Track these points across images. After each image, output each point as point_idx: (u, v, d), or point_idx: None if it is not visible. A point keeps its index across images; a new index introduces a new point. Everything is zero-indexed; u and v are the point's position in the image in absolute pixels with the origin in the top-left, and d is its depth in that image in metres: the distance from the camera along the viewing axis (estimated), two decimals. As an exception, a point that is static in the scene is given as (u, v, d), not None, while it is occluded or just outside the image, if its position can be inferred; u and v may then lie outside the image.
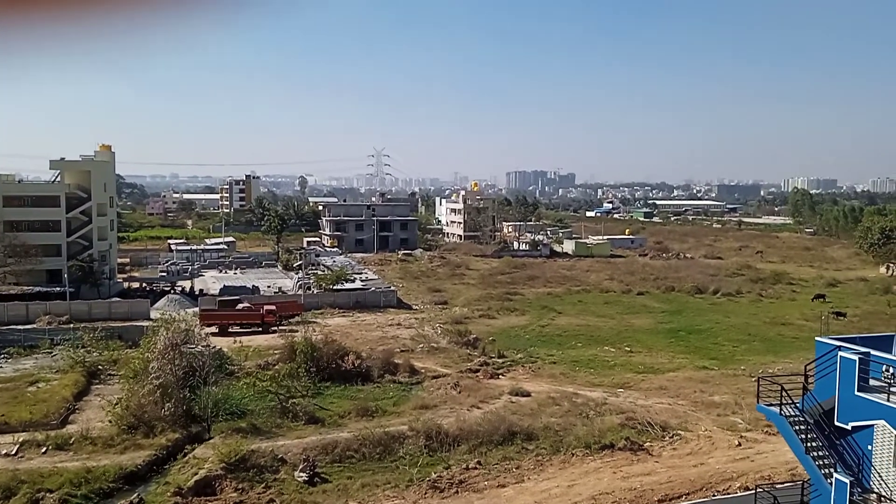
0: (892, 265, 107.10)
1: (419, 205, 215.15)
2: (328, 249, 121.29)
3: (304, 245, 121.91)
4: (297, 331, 54.60)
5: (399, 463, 33.50)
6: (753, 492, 23.63)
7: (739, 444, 36.16)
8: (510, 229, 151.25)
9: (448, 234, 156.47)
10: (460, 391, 43.99)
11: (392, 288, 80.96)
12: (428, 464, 33.37)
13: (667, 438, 36.86)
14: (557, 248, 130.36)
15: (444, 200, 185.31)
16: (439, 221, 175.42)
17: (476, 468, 32.93)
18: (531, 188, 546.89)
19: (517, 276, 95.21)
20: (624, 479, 32.00)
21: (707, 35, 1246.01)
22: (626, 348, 57.92)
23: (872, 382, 19.19)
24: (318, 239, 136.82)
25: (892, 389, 18.41)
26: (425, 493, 30.53)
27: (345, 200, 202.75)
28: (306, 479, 31.43)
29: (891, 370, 18.93)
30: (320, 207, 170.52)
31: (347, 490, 30.88)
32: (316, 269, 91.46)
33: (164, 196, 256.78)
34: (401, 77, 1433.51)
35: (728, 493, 30.30)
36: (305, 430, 36.90)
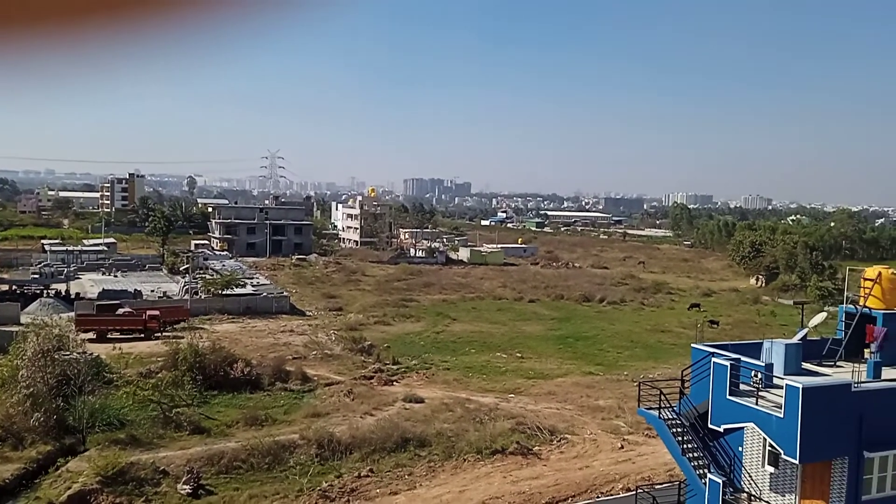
0: (760, 277, 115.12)
1: (314, 209, 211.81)
2: (217, 253, 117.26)
3: (192, 248, 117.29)
4: (182, 337, 52.37)
5: (289, 473, 32.76)
6: (634, 493, 24.69)
7: (622, 447, 37.72)
8: (407, 236, 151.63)
9: (344, 239, 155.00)
10: (354, 398, 43.58)
11: (285, 293, 79.22)
12: (319, 473, 32.83)
13: (555, 442, 37.95)
14: (453, 255, 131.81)
15: (340, 205, 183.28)
16: (335, 226, 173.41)
17: (368, 476, 32.70)
18: (428, 195, 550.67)
19: (413, 283, 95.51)
20: (513, 483, 32.67)
21: (596, 58, 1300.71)
22: (518, 354, 59.26)
23: (743, 387, 20.52)
24: (206, 242, 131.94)
25: (760, 394, 19.77)
26: (315, 503, 30.02)
27: (236, 202, 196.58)
28: (190, 491, 30.15)
29: (759, 376, 20.31)
30: (210, 209, 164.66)
31: (234, 502, 29.88)
32: (204, 273, 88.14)
33: (38, 193, 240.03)
34: (297, 80, 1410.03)
35: (611, 495, 31.54)
36: (190, 441, 35.43)
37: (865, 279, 24.42)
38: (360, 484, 31.89)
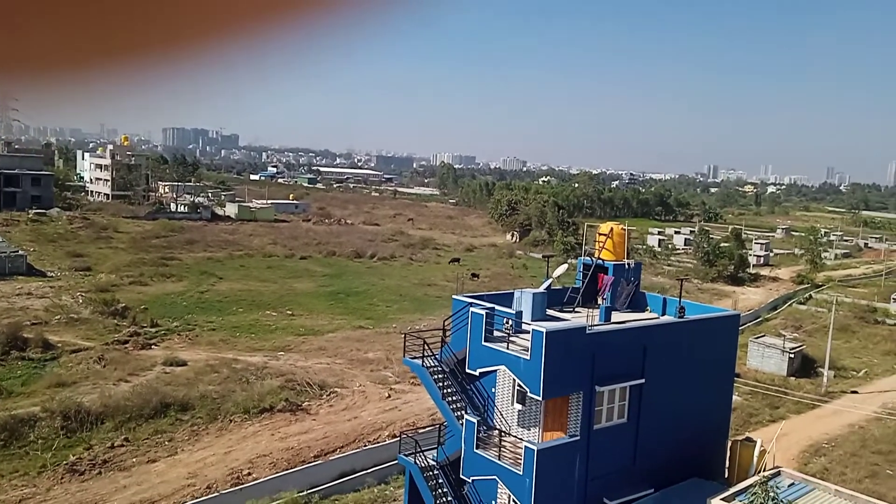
0: (515, 233, 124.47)
1: (56, 158, 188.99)
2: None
3: None
4: None
5: (30, 448, 29.60)
6: (399, 438, 25.81)
7: (389, 396, 39.15)
8: (167, 190, 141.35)
9: (93, 192, 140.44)
10: (105, 365, 40.23)
11: (21, 252, 70.20)
12: (66, 446, 30.06)
13: (324, 397, 38.31)
14: (219, 211, 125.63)
15: (87, 155, 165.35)
16: (82, 178, 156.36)
17: (123, 445, 30.58)
18: (191, 147, 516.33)
19: (174, 240, 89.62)
20: (282, 439, 32.53)
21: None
22: (289, 312, 58.53)
23: (496, 333, 22.20)
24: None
25: (511, 339, 21.52)
26: (62, 478, 27.49)
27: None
28: None
29: (510, 322, 22.09)
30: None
31: (-41, 487, 26.39)
32: (-86, 229, 75.16)
33: None
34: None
35: (378, 442, 32.68)
36: None
37: (600, 234, 27.46)
38: (113, 454, 29.75)
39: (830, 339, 50.85)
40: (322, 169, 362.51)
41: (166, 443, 31.46)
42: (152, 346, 45.66)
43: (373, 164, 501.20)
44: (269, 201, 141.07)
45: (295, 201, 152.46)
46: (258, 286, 68.07)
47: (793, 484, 23.30)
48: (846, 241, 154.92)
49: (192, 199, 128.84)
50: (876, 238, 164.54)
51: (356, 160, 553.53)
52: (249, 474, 28.97)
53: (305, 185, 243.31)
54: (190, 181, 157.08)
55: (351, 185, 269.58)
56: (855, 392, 47.68)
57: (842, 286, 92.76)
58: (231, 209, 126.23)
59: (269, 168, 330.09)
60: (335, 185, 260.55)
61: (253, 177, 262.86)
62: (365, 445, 32.30)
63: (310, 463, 29.93)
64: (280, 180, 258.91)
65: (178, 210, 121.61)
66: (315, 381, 39.58)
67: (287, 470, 29.00)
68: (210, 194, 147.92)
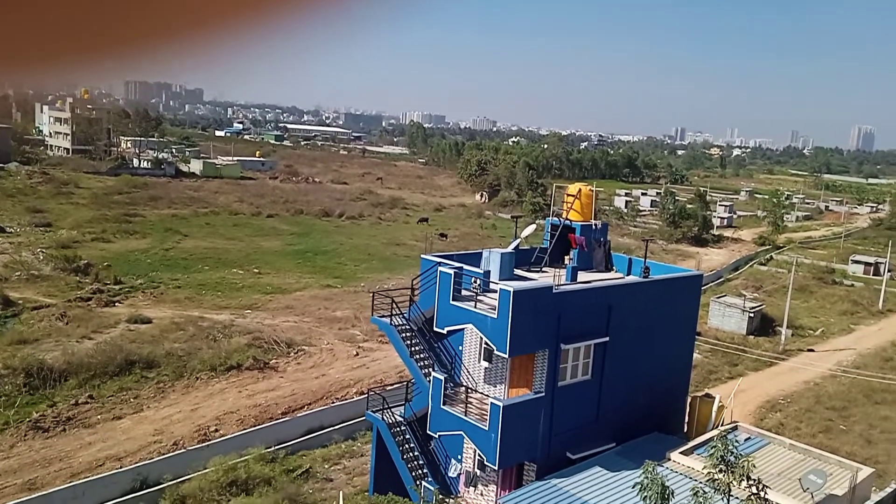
0: (485, 193, 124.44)
1: (13, 111, 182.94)
2: None
3: None
4: None
5: (-10, 407, 29.25)
6: (366, 395, 26.01)
7: (357, 354, 39.34)
8: (129, 145, 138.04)
9: (52, 146, 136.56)
10: (68, 322, 39.70)
11: (-23, 207, 68.34)
12: (28, 403, 29.77)
13: (292, 354, 38.35)
14: (184, 167, 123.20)
15: (46, 108, 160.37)
16: (41, 132, 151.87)
17: (87, 403, 30.38)
18: (154, 101, 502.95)
19: (137, 197, 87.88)
20: (249, 396, 32.59)
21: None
22: (255, 270, 58.12)
23: (464, 293, 22.32)
24: None
25: (478, 298, 21.65)
26: (25, 435, 27.28)
27: None
28: None
29: (478, 282, 22.21)
30: None
31: (-82, 445, 26.04)
32: None
33: None
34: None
35: (346, 399, 32.92)
36: None
37: (568, 195, 27.56)
38: (77, 411, 29.55)
39: (789, 299, 52.18)
40: (289, 126, 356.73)
41: (132, 400, 31.32)
42: (116, 304, 45.10)
43: (341, 122, 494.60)
44: (235, 158, 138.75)
45: (262, 159, 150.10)
46: (224, 244, 67.35)
47: (749, 438, 24.09)
48: (808, 203, 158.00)
49: (155, 155, 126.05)
50: (837, 201, 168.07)
51: (324, 117, 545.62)
52: (216, 431, 29.04)
53: (272, 142, 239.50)
54: (153, 136, 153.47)
55: (319, 143, 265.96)
56: (811, 350, 49.17)
57: (802, 248, 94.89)
58: (196, 166, 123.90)
59: (235, 124, 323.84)
60: (303, 143, 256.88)
61: (218, 133, 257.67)
62: (333, 402, 32.52)
63: (277, 420, 30.08)
64: (246, 137, 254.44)
65: (141, 166, 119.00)
66: (283, 339, 39.56)
67: (254, 427, 29.11)
68: (174, 150, 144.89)
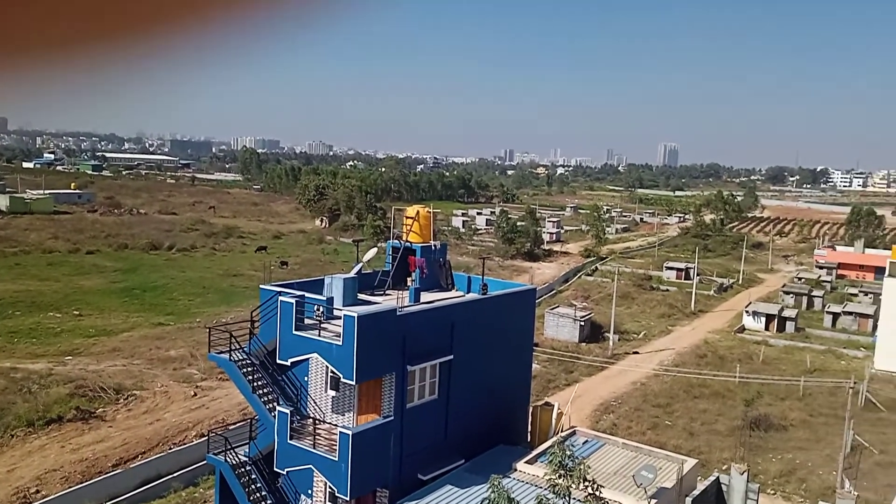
0: (324, 218, 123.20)
1: None
2: None
3: None
4: None
5: None
6: (207, 437, 24.72)
7: (195, 395, 37.29)
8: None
9: None
10: None
11: None
12: None
13: (121, 401, 35.64)
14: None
15: None
16: None
17: None
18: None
19: (-72, 238, 78.20)
20: (74, 451, 29.86)
21: None
22: (76, 312, 53.54)
23: (307, 321, 21.91)
24: None
25: (322, 326, 21.35)
26: None
27: None
28: None
29: (321, 309, 21.90)
30: None
31: None
32: None
33: None
34: None
35: (185, 444, 31.05)
36: None
37: (407, 217, 28.00)
38: None
39: (614, 306, 56.11)
40: (109, 155, 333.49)
41: (-70, 469, 27.63)
42: None
43: (167, 150, 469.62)
44: (48, 191, 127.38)
45: (78, 191, 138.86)
46: (38, 286, 61.48)
47: (587, 441, 25.52)
48: (625, 216, 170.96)
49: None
50: (649, 213, 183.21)
51: (148, 145, 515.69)
52: (37, 492, 26.32)
53: (90, 172, 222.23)
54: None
55: (143, 172, 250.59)
56: (636, 353, 53.10)
57: (622, 258, 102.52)
58: (1, 201, 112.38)
59: (46, 154, 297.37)
60: (125, 172, 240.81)
61: (26, 164, 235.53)
62: (170, 448, 30.56)
63: (107, 473, 27.77)
64: (60, 168, 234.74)
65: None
66: (110, 386, 36.67)
67: (81, 483, 26.68)
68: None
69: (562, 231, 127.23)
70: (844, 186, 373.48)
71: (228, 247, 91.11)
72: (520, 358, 27.81)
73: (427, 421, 22.58)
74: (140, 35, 1.87)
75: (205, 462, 25.03)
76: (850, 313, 64.69)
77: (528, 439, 27.58)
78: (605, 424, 36.62)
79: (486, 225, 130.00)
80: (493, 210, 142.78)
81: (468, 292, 27.76)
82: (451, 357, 23.12)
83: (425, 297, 25.76)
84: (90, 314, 53.52)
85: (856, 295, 76.55)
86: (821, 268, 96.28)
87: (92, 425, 32.63)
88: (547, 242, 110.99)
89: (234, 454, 22.65)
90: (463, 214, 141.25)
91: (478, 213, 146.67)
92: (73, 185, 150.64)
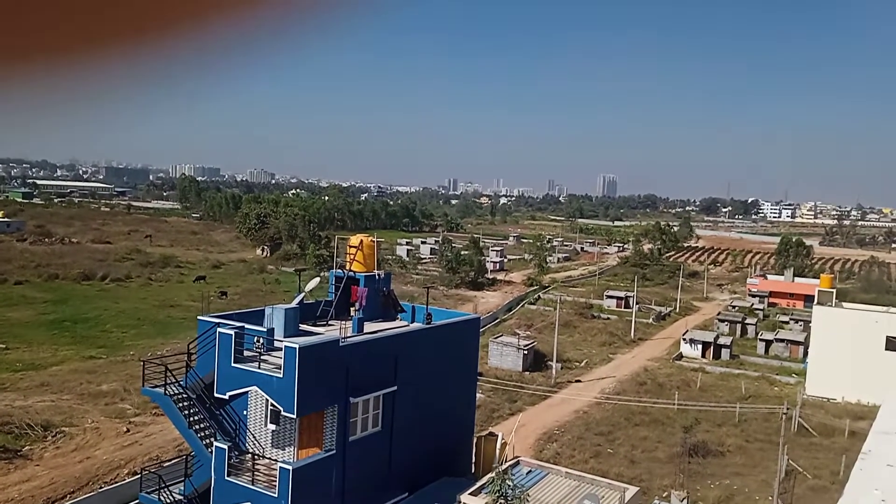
0: (266, 247, 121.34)
1: None
2: None
3: None
4: None
5: None
6: (140, 475, 23.75)
7: (128, 431, 35.87)
8: None
9: None
10: None
11: None
12: None
13: (49, 438, 34.00)
14: None
15: None
16: None
17: None
18: None
19: None
20: (-4, 493, 28.24)
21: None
22: (1, 346, 51.09)
23: (247, 353, 21.41)
24: None
25: (262, 358, 20.88)
26: None
27: None
28: None
29: (261, 341, 21.45)
30: None
31: None
32: None
33: None
34: None
35: (116, 482, 29.74)
36: None
37: (351, 246, 27.80)
38: None
39: (557, 335, 56.67)
40: (40, 182, 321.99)
41: None
42: None
43: (102, 177, 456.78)
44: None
45: (7, 219, 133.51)
46: (-40, 318, 58.54)
47: (530, 471, 25.51)
48: (566, 245, 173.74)
49: None
50: (590, 242, 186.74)
51: (81, 172, 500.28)
52: (-47, 540, 24.72)
53: (20, 199, 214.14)
54: None
55: (76, 200, 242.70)
56: (579, 381, 53.61)
57: (564, 286, 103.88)
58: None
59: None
60: (57, 200, 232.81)
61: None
62: (100, 487, 29.21)
63: (33, 516, 26.33)
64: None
65: None
66: (37, 422, 34.95)
67: (3, 528, 25.23)
68: None
69: (505, 260, 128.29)
70: (774, 217, 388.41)
71: (165, 277, 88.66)
72: (464, 388, 27.73)
73: (370, 454, 22.23)
74: (74, 57, 1.79)
75: (138, 502, 23.98)
76: (782, 340, 66.88)
77: (473, 470, 27.40)
78: (549, 453, 36.70)
79: (431, 254, 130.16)
80: (437, 239, 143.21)
81: (413, 322, 27.62)
82: (396, 388, 22.90)
83: (369, 326, 25.52)
84: (17, 347, 51.15)
85: (787, 322, 79.22)
86: (753, 296, 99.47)
87: (17, 464, 30.98)
88: (490, 271, 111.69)
89: (168, 493, 21.80)
90: (407, 243, 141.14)
91: (422, 242, 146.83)
92: (1, 213, 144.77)
